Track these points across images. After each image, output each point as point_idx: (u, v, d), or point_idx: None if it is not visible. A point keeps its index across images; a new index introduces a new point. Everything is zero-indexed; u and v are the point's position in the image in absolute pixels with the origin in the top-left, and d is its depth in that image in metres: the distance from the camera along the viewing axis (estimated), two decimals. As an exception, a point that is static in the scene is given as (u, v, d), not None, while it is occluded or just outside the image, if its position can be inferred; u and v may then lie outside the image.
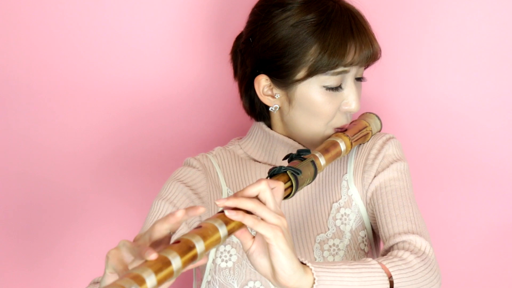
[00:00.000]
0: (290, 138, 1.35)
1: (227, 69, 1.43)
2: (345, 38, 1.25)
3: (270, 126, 1.38)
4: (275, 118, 1.36)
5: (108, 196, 1.65)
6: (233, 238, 1.31)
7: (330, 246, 1.31)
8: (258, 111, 1.38)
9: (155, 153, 1.64)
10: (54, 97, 1.61)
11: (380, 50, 1.31)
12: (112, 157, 1.64)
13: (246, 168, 1.37)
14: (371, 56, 1.29)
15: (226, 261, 1.30)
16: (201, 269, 1.34)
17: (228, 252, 1.31)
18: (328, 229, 1.32)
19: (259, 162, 1.37)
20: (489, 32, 1.58)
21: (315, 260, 1.30)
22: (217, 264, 1.30)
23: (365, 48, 1.27)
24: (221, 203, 1.02)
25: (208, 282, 1.32)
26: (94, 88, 1.61)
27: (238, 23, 1.42)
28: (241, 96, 1.39)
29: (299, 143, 1.35)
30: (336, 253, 1.30)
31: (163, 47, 1.62)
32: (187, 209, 0.98)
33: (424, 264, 1.17)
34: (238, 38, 1.41)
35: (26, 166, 1.63)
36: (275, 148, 1.36)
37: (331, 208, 1.33)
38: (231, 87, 1.46)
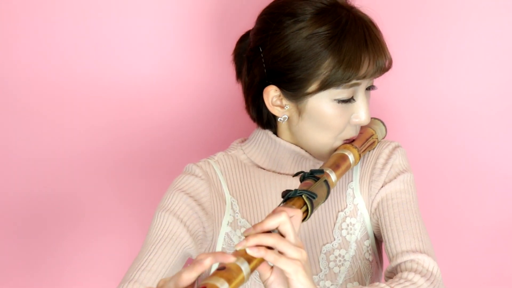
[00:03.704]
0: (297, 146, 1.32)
1: (229, 70, 1.40)
2: (360, 50, 1.21)
3: (276, 133, 1.34)
4: (283, 127, 1.32)
5: (109, 200, 1.63)
6: None
7: (336, 257, 1.30)
8: (266, 121, 1.33)
9: (157, 155, 1.62)
10: (56, 100, 1.59)
11: (392, 60, 1.27)
12: (113, 159, 1.61)
13: (250, 175, 1.33)
14: (384, 67, 1.26)
15: None
16: None
17: None
18: (334, 239, 1.31)
19: (264, 169, 1.34)
20: (495, 36, 1.57)
21: (321, 271, 1.29)
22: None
23: (378, 59, 1.23)
24: (243, 246, 1.00)
25: None
26: (96, 91, 1.59)
27: (241, 23, 1.39)
28: (248, 105, 1.34)
29: (305, 151, 1.32)
30: (342, 264, 1.29)
31: (164, 48, 1.59)
32: (214, 254, 0.96)
33: (433, 287, 1.17)
34: (241, 39, 1.36)
35: (29, 169, 1.61)
36: (281, 155, 1.32)
37: (336, 218, 1.32)
38: (233, 87, 1.43)
